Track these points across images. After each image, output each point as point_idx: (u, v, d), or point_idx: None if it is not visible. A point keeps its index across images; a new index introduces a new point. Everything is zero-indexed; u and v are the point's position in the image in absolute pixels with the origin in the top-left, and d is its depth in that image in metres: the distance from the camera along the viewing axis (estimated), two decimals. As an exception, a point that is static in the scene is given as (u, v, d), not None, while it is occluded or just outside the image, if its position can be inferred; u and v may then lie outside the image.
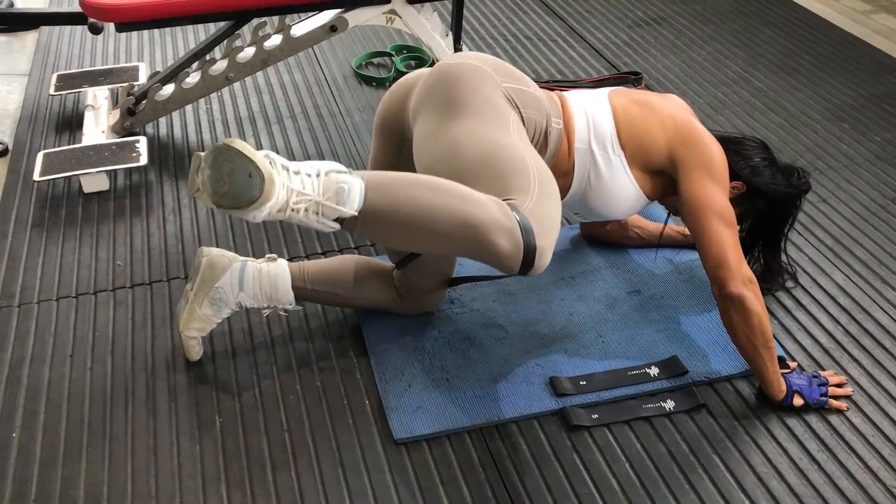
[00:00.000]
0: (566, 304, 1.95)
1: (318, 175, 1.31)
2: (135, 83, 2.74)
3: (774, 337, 1.83)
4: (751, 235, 1.93)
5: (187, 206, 2.33)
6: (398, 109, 1.65)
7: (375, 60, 3.14)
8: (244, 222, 2.26)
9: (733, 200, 1.77)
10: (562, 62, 3.10)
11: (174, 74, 2.59)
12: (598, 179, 1.71)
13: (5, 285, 2.03)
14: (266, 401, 1.72)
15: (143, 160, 2.38)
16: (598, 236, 2.12)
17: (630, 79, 2.93)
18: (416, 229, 1.34)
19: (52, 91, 2.76)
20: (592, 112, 1.70)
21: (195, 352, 1.78)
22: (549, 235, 1.40)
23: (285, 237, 2.20)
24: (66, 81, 2.81)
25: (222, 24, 2.60)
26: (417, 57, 3.10)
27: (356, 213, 1.32)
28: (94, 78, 2.82)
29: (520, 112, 1.57)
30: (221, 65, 2.59)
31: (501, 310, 1.93)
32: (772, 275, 1.97)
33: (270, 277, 1.76)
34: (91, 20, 2.81)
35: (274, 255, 1.81)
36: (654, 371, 1.76)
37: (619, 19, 3.45)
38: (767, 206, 1.83)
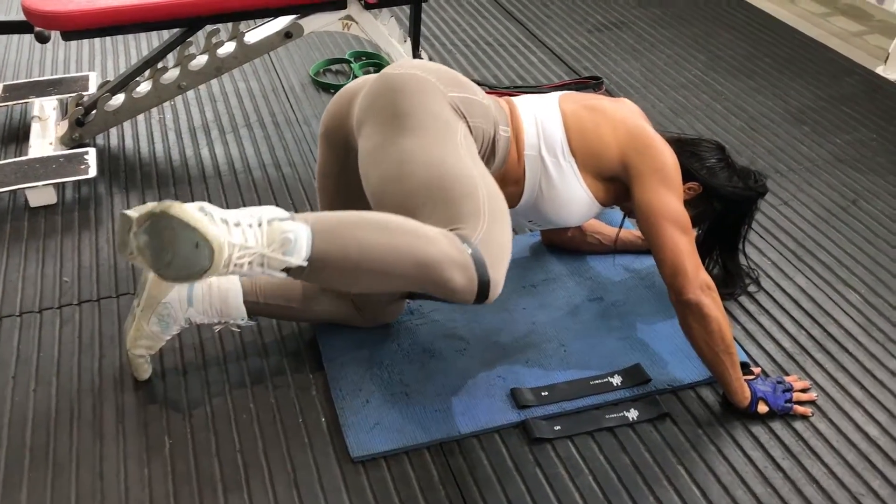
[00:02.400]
0: (528, 312, 1.91)
1: (259, 225, 1.24)
2: (84, 93, 2.66)
3: (737, 342, 1.80)
4: (708, 239, 1.91)
5: (138, 218, 2.25)
6: (342, 118, 1.60)
7: (334, 67, 3.08)
8: (197, 235, 2.19)
9: (690, 202, 1.75)
10: (522, 67, 3.07)
11: (124, 84, 2.52)
12: (549, 187, 1.68)
13: (-55, 305, 1.95)
14: (218, 420, 1.66)
15: (93, 172, 2.31)
16: (559, 243, 2.09)
17: (590, 84, 2.91)
18: (368, 272, 1.30)
19: (-4, 103, 2.68)
20: (542, 118, 1.67)
21: (143, 370, 1.72)
22: (502, 264, 1.38)
23: (240, 249, 2.14)
24: (13, 92, 2.72)
25: (175, 30, 2.53)
26: (376, 63, 3.05)
27: (304, 263, 1.26)
28: (42, 88, 2.74)
29: (467, 122, 1.53)
30: (173, 73, 2.53)
31: (462, 320, 1.89)
32: (732, 279, 1.95)
33: (221, 292, 1.70)
34: (37, 29, 2.72)
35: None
36: (616, 380, 1.72)
37: (579, 24, 3.43)
38: (724, 208, 1.81)
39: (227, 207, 2.23)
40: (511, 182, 1.67)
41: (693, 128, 2.67)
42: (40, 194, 2.29)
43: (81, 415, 1.67)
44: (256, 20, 2.60)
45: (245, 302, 1.72)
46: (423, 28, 3.37)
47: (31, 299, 1.97)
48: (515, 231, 2.13)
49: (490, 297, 1.36)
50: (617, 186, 1.69)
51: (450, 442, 1.61)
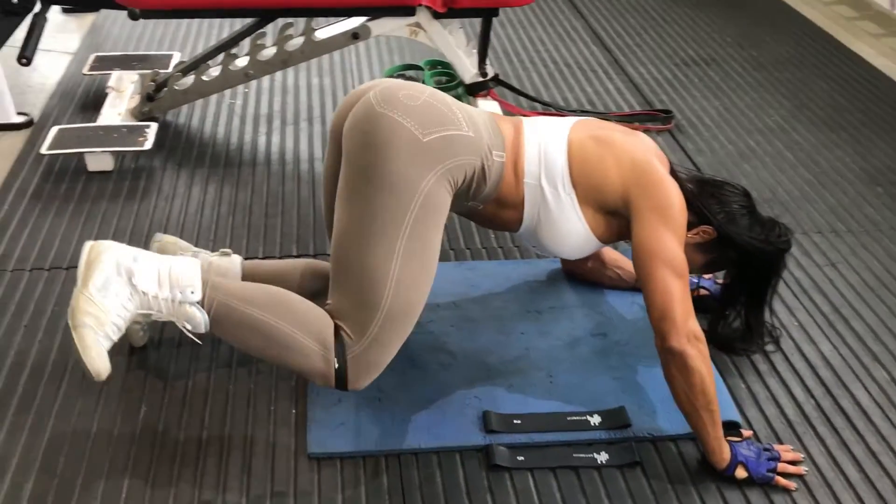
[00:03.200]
0: (525, 338, 1.87)
1: (172, 301, 1.48)
2: (160, 70, 2.79)
3: (735, 403, 1.71)
4: (732, 288, 1.81)
5: (181, 195, 2.35)
6: (341, 122, 1.62)
7: (408, 73, 3.12)
8: (231, 216, 2.26)
9: (702, 246, 1.67)
10: (596, 93, 3.01)
11: (196, 65, 2.63)
12: (547, 217, 1.64)
13: (-15, 251, 2.09)
14: (194, 396, 1.69)
15: (148, 145, 2.42)
16: (577, 273, 2.03)
17: (660, 116, 2.82)
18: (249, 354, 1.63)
19: (85, 70, 2.84)
20: (547, 145, 1.63)
21: (139, 338, 1.78)
22: (367, 377, 1.54)
23: (266, 234, 2.19)
24: (102, 63, 2.89)
25: (249, 20, 2.62)
26: (449, 74, 3.05)
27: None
28: (128, 62, 2.89)
29: (443, 167, 1.52)
30: (242, 61, 2.62)
31: (456, 335, 1.87)
32: (751, 334, 1.84)
33: (220, 272, 1.75)
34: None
35: (228, 251, 1.80)
36: (595, 420, 1.66)
37: (668, 56, 3.33)
38: (740, 259, 1.71)
39: (267, 197, 2.32)
40: (510, 206, 1.64)
41: (757, 174, 2.55)
42: (98, 160, 2.42)
43: (73, 370, 1.74)
44: (329, 18, 2.66)
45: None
46: (505, 43, 3.37)
47: (62, 256, 2.08)
48: (522, 256, 2.11)
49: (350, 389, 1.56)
50: (619, 222, 1.63)
51: (408, 454, 1.59)
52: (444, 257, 2.11)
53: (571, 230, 1.64)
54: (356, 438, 1.60)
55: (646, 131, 2.28)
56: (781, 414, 1.71)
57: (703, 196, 1.66)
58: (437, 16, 2.59)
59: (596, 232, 1.64)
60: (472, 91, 2.76)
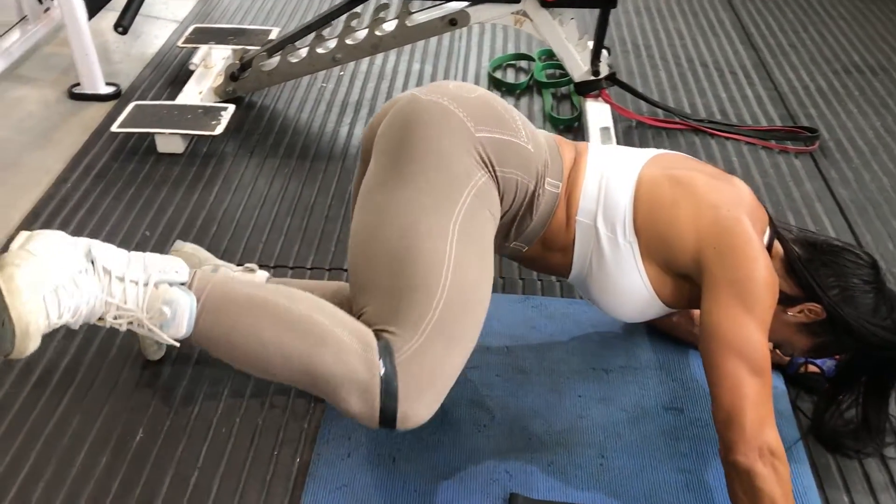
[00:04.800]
0: (582, 402, 1.57)
1: (146, 284, 1.07)
2: (250, 47, 2.64)
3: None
4: (849, 368, 1.44)
5: (244, 186, 2.19)
6: (374, 135, 1.37)
7: (519, 63, 2.82)
8: (290, 216, 2.08)
9: (805, 327, 1.32)
10: (730, 100, 2.61)
11: (282, 46, 2.46)
12: (600, 267, 1.33)
13: (34, 228, 2.00)
14: (195, 427, 1.52)
15: (219, 130, 2.27)
16: (660, 327, 1.71)
17: (802, 135, 2.39)
18: (252, 365, 1.13)
19: (180, 42, 2.74)
20: (609, 179, 1.31)
21: (153, 350, 1.63)
22: (426, 394, 1.13)
23: (320, 242, 1.99)
24: (199, 35, 2.77)
25: (343, -1, 2.42)
26: (562, 66, 2.74)
27: (178, 341, 1.10)
28: (224, 36, 2.76)
29: (492, 172, 1.24)
30: (331, 44, 2.42)
31: (500, 388, 1.60)
32: (868, 431, 1.47)
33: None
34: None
35: (253, 266, 1.61)
36: (644, 524, 1.36)
37: (826, 61, 2.86)
38: (859, 347, 1.34)
39: (332, 198, 2.12)
40: (557, 248, 1.35)
41: (913, 217, 2.10)
42: (168, 142, 2.30)
43: (87, 369, 1.61)
44: (426, 1, 2.42)
45: None
46: (636, 34, 3.01)
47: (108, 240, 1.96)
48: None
49: (400, 428, 1.13)
50: (691, 287, 1.30)
51: (412, 534, 1.35)
52: (506, 289, 1.84)
53: (629, 288, 1.33)
54: (355, 507, 1.38)
55: (782, 151, 1.90)
56: (891, 548, 1.35)
57: (813, 264, 1.30)
58: (545, 4, 2.29)
59: (661, 294, 1.32)
60: (582, 90, 2.45)
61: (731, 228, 1.24)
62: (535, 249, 1.36)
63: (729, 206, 1.26)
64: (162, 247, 1.95)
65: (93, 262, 1.08)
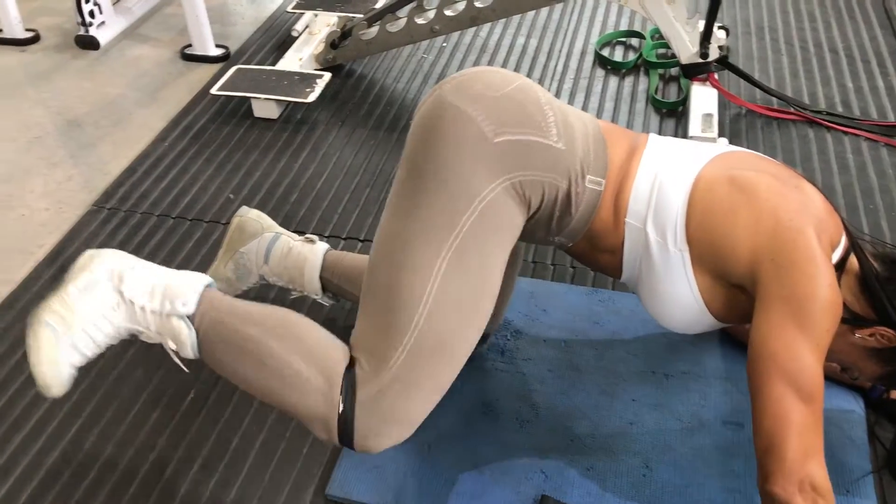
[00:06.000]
0: (635, 407, 1.49)
1: (161, 314, 1.21)
2: (355, 15, 2.64)
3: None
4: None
5: (330, 156, 2.20)
6: None
7: (630, 41, 2.69)
8: (369, 188, 2.07)
9: (877, 353, 1.19)
10: (857, 91, 2.39)
11: (382, 15, 2.44)
12: (649, 272, 1.23)
13: (126, 189, 2.09)
14: (241, 397, 1.55)
15: (312, 97, 2.28)
16: (733, 335, 1.59)
17: (933, 134, 2.17)
18: (250, 393, 1.25)
19: (290, 7, 2.77)
20: (664, 179, 1.21)
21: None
22: (380, 434, 1.18)
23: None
24: (308, 1, 2.79)
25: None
26: (675, 47, 2.59)
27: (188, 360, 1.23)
28: (333, 2, 2.76)
29: (512, 179, 1.18)
30: (430, 14, 2.38)
31: (551, 384, 1.54)
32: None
33: (298, 259, 1.58)
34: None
35: (313, 237, 1.61)
36: (679, 544, 1.28)
37: (979, 50, 2.57)
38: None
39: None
40: (605, 249, 1.27)
41: None
42: (263, 107, 2.33)
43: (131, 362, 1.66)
44: (531, -27, 2.33)
45: (321, 277, 1.58)
46: (762, 14, 2.80)
47: (191, 206, 2.02)
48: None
49: (359, 451, 1.20)
50: (746, 301, 1.18)
51: (435, 523, 1.33)
52: (576, 279, 1.77)
53: (677, 297, 1.23)
54: (383, 489, 1.36)
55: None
56: None
57: (893, 284, 1.16)
58: (652, -20, 2.16)
59: (711, 306, 1.22)
60: (689, 73, 2.31)
61: (792, 240, 1.13)
62: (581, 246, 1.29)
63: (793, 215, 1.14)
64: (242, 211, 1.99)
65: (122, 295, 1.20)
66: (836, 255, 1.18)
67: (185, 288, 1.21)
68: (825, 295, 1.10)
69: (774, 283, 1.11)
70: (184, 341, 1.19)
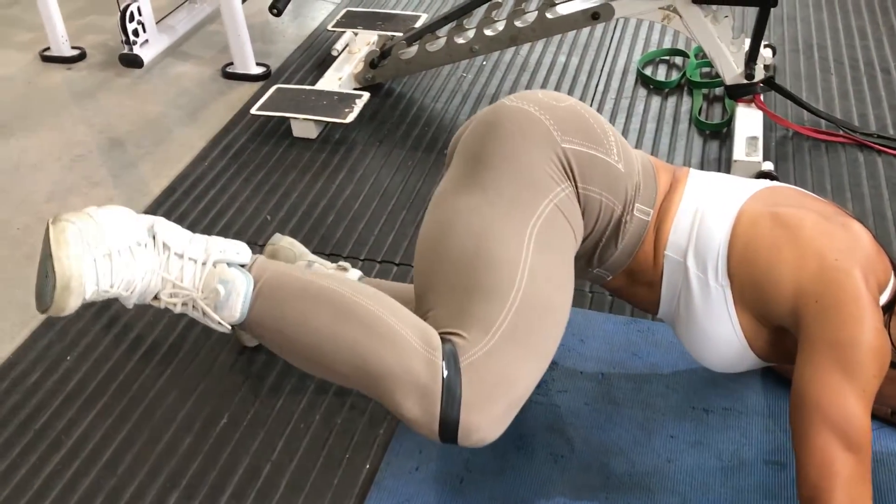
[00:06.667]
0: (673, 444, 1.45)
1: (203, 263, 1.04)
2: (396, 33, 2.63)
3: None
4: None
5: (366, 178, 2.19)
6: (458, 143, 1.30)
7: (673, 59, 2.65)
8: (404, 211, 2.06)
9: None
10: (911, 113, 2.32)
11: (422, 34, 2.43)
12: (688, 309, 1.20)
13: (165, 209, 2.10)
14: (276, 418, 1.54)
15: (351, 118, 2.28)
16: (779, 370, 1.54)
17: None
18: (304, 358, 1.05)
19: (330, 26, 2.78)
20: (706, 212, 1.17)
21: (246, 338, 1.67)
22: (490, 407, 1.01)
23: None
24: (349, 19, 2.80)
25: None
26: (720, 66, 2.54)
27: (230, 326, 1.06)
28: (373, 21, 2.77)
29: (575, 187, 1.13)
30: (469, 34, 2.37)
31: (587, 418, 1.51)
32: None
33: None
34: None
35: (346, 265, 1.60)
36: (717, 592, 1.23)
37: None
38: None
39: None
40: (643, 282, 1.23)
41: None
42: (302, 127, 2.34)
43: (191, 346, 1.67)
44: (572, -8, 2.30)
45: None
46: (811, 32, 2.74)
47: (227, 226, 2.02)
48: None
49: (462, 443, 1.01)
50: (791, 341, 1.14)
51: (465, 562, 1.30)
52: (614, 308, 1.73)
53: (719, 336, 1.19)
54: (413, 525, 1.35)
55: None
56: None
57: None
58: (697, 0, 2.12)
59: (754, 345, 1.18)
60: (733, 94, 2.26)
61: (838, 281, 1.08)
62: (619, 280, 1.26)
63: (839, 255, 1.10)
64: (280, 232, 1.99)
65: (154, 237, 1.06)
66: (885, 297, 1.13)
67: (233, 243, 1.11)
68: (871, 340, 1.06)
69: (818, 326, 1.07)
70: (236, 292, 1.04)
